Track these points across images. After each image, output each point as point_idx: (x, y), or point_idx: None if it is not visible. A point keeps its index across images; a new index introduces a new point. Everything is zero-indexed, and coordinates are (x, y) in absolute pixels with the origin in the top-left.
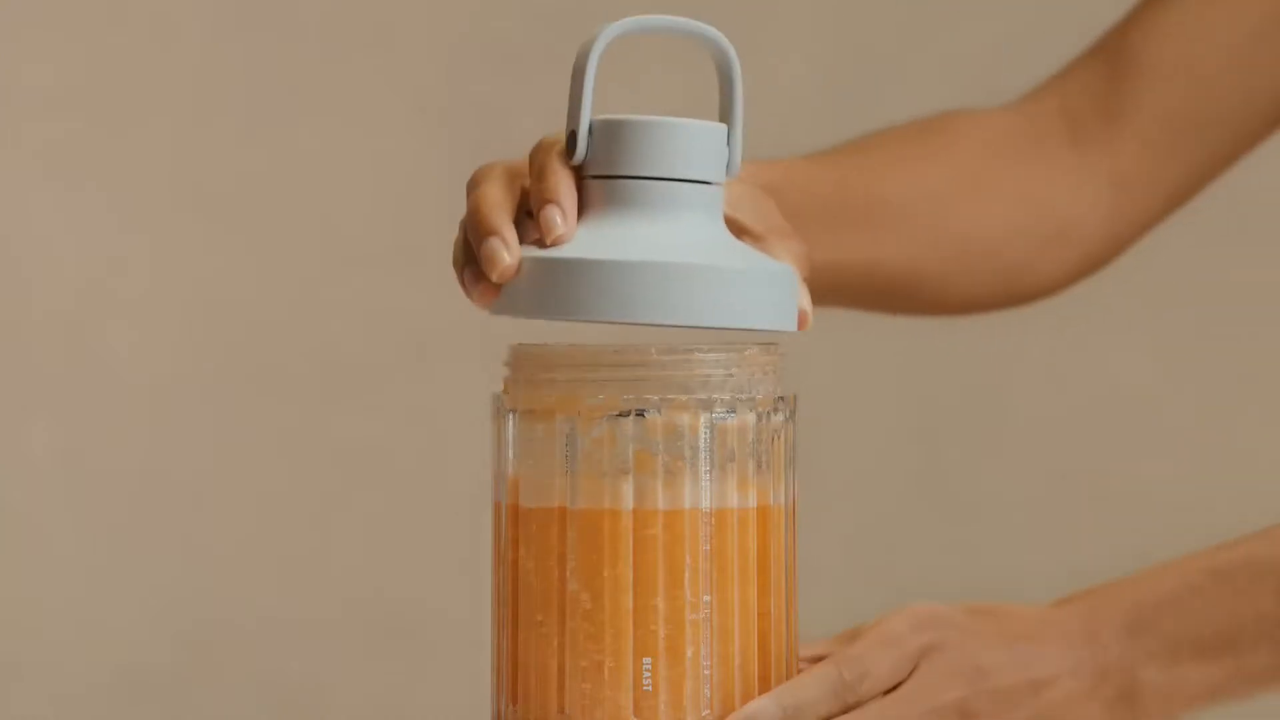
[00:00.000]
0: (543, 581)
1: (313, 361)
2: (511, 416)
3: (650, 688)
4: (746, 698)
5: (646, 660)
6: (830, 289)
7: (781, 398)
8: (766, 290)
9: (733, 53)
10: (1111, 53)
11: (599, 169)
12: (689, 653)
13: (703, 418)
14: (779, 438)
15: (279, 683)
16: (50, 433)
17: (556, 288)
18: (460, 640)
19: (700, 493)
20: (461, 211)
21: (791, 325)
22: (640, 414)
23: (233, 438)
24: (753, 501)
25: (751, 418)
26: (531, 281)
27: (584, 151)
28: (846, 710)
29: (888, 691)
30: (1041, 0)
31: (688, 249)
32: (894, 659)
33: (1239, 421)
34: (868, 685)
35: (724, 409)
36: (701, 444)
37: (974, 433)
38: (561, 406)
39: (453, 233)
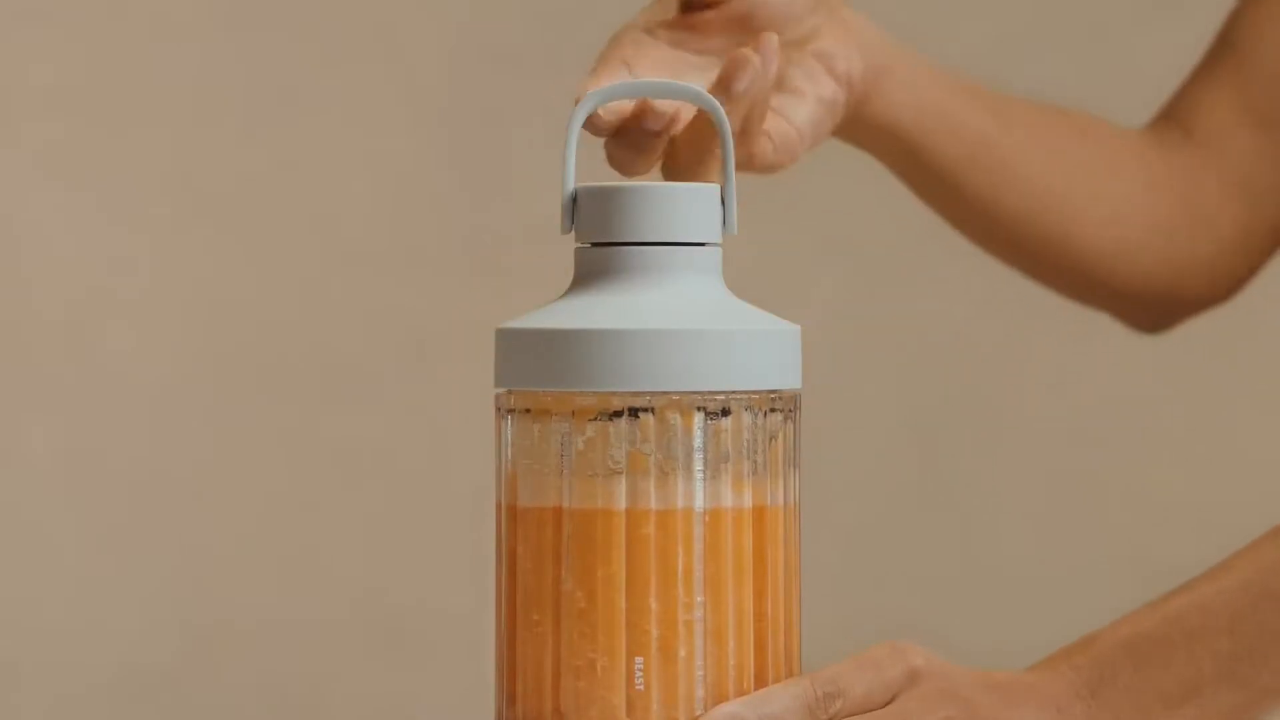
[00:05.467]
0: (539, 580)
1: (313, 361)
2: (509, 416)
3: (643, 687)
4: (741, 695)
5: (639, 660)
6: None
7: (779, 397)
8: (770, 351)
9: (721, 110)
10: (1213, 59)
11: (592, 236)
12: (682, 653)
13: (696, 417)
14: (777, 438)
15: (279, 683)
16: (50, 433)
17: (555, 359)
18: (460, 640)
19: (694, 492)
20: (460, 212)
21: (796, 383)
22: (634, 414)
23: (233, 438)
24: (748, 502)
25: (748, 418)
26: (529, 353)
27: (568, 224)
28: None
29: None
30: (1041, 0)
31: (687, 314)
32: (870, 682)
33: (1239, 422)
34: (840, 704)
35: (718, 409)
36: (695, 444)
37: (974, 433)
38: (556, 406)
39: (452, 233)
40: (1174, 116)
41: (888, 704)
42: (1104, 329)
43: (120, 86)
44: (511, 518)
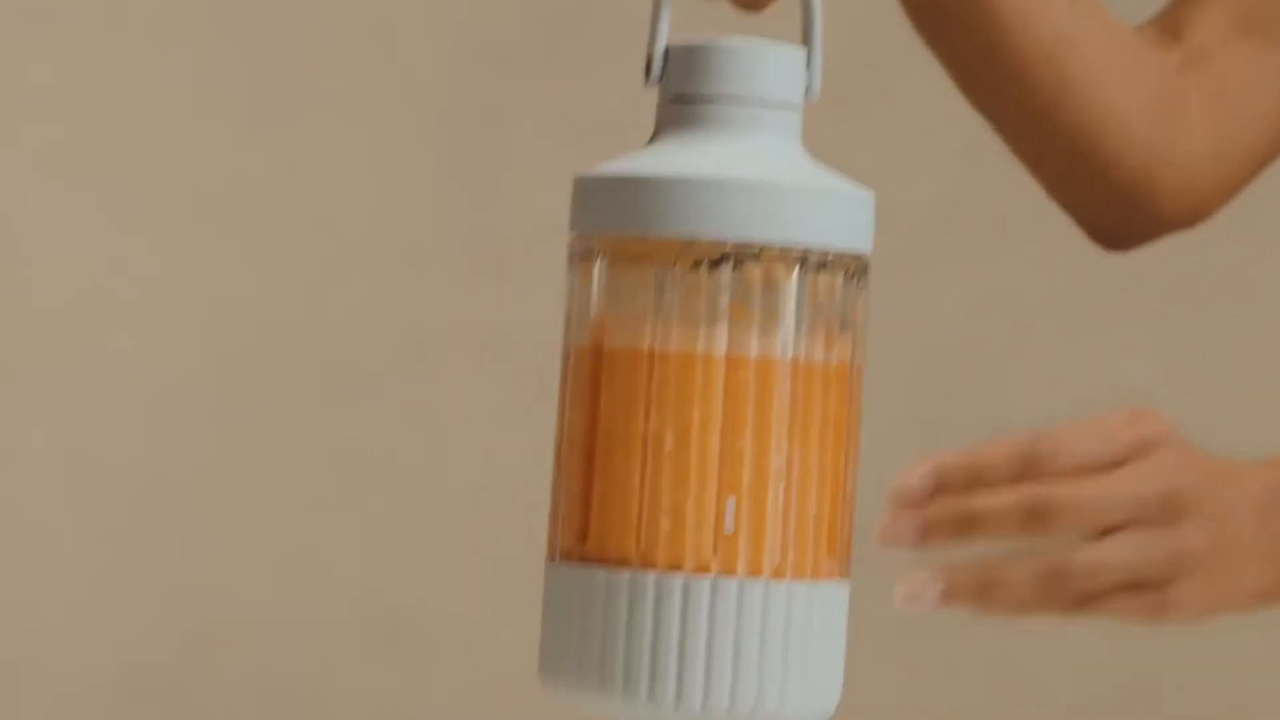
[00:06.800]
0: (627, 422)
1: (313, 361)
2: (601, 260)
3: (731, 530)
4: (817, 552)
5: (730, 501)
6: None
7: (863, 263)
8: (844, 210)
9: None
10: None
11: (676, 91)
12: (770, 500)
13: (798, 270)
14: (858, 302)
15: (279, 683)
16: (50, 433)
17: (628, 203)
18: (460, 640)
19: (791, 344)
20: (460, 212)
21: (867, 247)
22: (738, 262)
23: (233, 438)
24: (836, 359)
25: (841, 277)
26: (633, 198)
27: (658, 74)
28: (1026, 479)
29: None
30: None
31: (762, 166)
32: (1098, 444)
33: (1239, 422)
34: (1059, 460)
35: (817, 263)
36: (795, 296)
37: (976, 431)
38: (660, 252)
39: (452, 233)
40: (1167, 22)
41: (1118, 467)
42: (1105, 329)
43: (120, 86)
44: (595, 361)
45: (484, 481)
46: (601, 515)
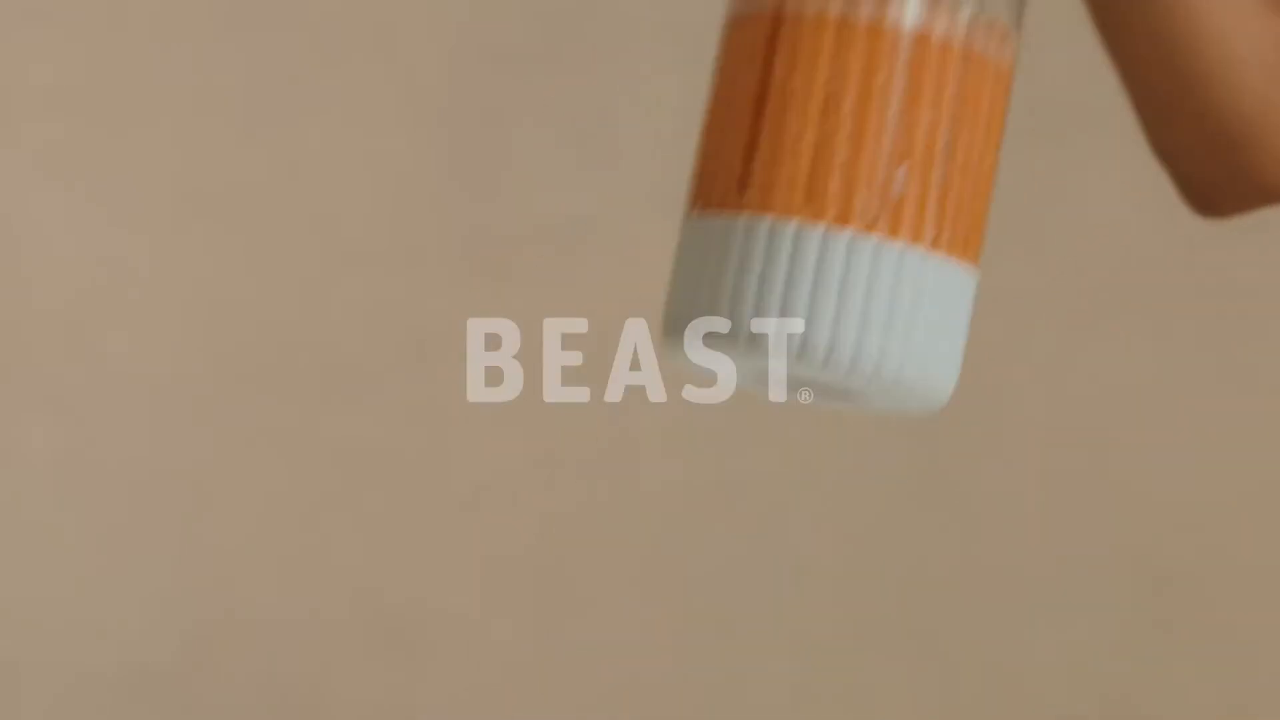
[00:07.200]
0: (805, 83)
1: (313, 361)
2: None
3: (899, 197)
4: (968, 236)
5: (902, 168)
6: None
7: None
8: None
9: None
10: None
11: None
12: (935, 175)
13: None
14: (1022, 12)
15: (279, 683)
16: (50, 432)
17: None
18: (460, 640)
19: (968, 32)
20: (460, 212)
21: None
22: None
23: (233, 438)
24: (1005, 59)
25: None
26: None
27: None
28: None
29: None
30: (1043, 0)
31: None
32: None
33: (1239, 421)
34: None
35: None
36: None
37: (974, 432)
38: None
39: (452, 233)
40: None
41: None
42: (1104, 329)
43: (120, 86)
44: (774, 26)
45: (484, 481)
46: (767, 167)
